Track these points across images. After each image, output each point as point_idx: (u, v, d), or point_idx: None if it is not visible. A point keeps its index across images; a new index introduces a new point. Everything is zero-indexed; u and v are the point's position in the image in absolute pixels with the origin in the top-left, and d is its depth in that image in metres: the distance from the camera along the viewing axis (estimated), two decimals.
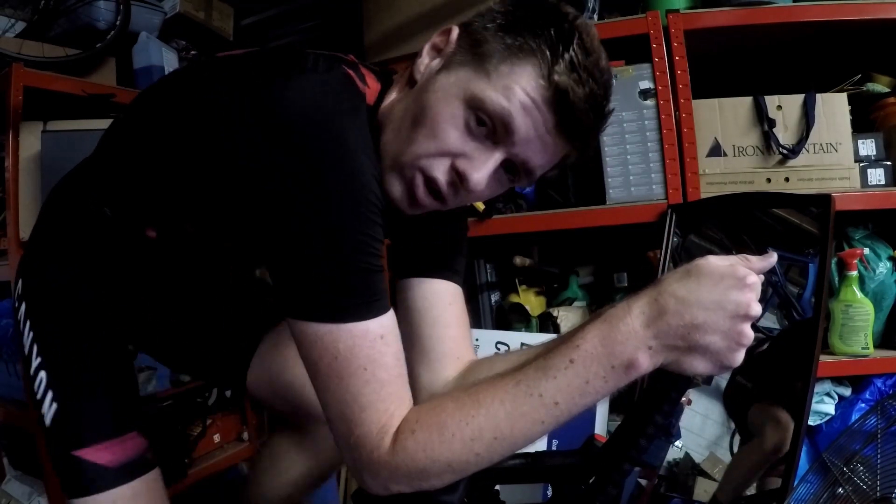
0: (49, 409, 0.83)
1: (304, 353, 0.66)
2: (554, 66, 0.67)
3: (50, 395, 0.83)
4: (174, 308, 0.99)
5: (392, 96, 0.78)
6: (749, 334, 0.60)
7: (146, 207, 0.82)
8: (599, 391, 0.63)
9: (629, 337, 0.61)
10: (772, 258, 0.65)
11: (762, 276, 0.63)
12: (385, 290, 0.66)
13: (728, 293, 0.60)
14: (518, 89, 0.68)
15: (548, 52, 0.68)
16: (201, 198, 0.77)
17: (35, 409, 0.85)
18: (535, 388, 0.63)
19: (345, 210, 0.62)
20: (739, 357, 0.61)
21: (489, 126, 0.70)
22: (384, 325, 0.65)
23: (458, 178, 0.71)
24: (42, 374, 0.84)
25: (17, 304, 0.89)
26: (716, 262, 0.62)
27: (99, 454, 0.83)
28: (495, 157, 0.71)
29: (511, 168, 0.74)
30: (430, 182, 0.72)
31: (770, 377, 1.31)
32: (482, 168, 0.71)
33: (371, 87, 0.77)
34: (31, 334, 0.86)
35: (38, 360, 0.85)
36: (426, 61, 0.75)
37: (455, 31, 0.74)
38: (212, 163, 0.72)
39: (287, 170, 0.62)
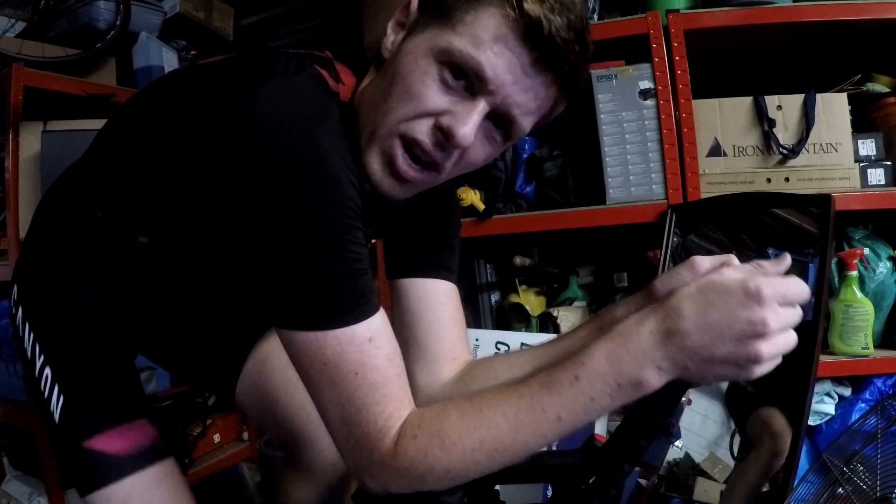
0: (57, 404, 0.82)
1: (295, 362, 0.66)
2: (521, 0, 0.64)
3: (57, 388, 0.82)
4: (166, 313, 0.99)
5: (364, 83, 0.76)
6: (763, 353, 0.57)
7: (136, 213, 0.82)
8: (605, 408, 0.62)
9: (637, 357, 0.60)
10: (786, 261, 0.64)
11: (784, 280, 0.59)
12: (371, 292, 0.65)
13: (738, 312, 0.57)
14: (485, 33, 0.65)
15: None
16: (187, 205, 0.76)
17: (44, 411, 0.83)
18: (539, 403, 0.62)
19: (322, 217, 0.61)
20: (752, 374, 0.59)
21: (466, 77, 0.67)
22: (372, 327, 0.64)
23: (444, 136, 0.68)
24: (47, 370, 0.83)
25: (14, 310, 0.88)
26: (729, 277, 0.59)
27: (109, 442, 0.82)
28: (479, 109, 0.67)
29: (500, 121, 0.71)
30: (414, 145, 0.69)
31: (771, 379, 1.30)
32: (468, 120, 0.67)
33: (346, 82, 0.75)
34: (32, 335, 0.85)
35: (42, 358, 0.84)
36: (391, 37, 0.73)
37: (415, 1, 0.72)
38: (194, 173, 0.71)
39: (260, 181, 0.61)
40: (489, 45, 0.65)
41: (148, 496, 0.83)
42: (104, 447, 0.81)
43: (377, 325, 0.65)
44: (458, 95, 0.68)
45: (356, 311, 0.64)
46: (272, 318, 0.66)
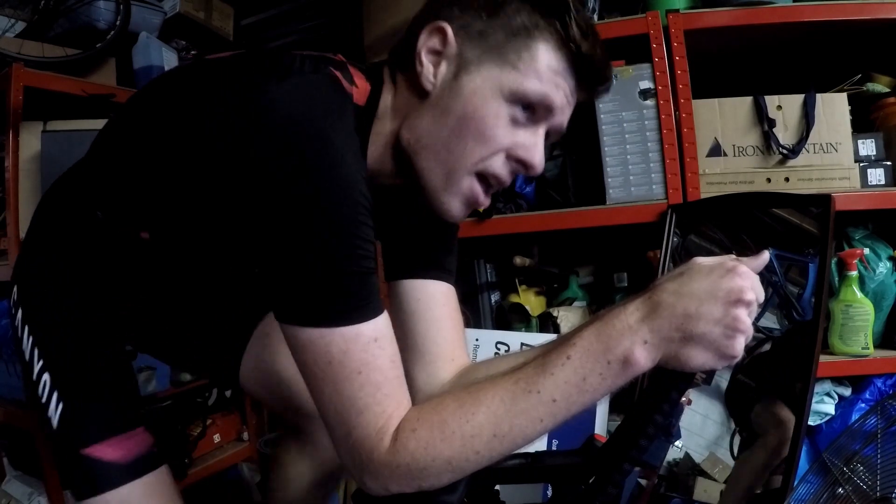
0: (55, 411, 0.82)
1: (297, 357, 0.66)
2: (567, 34, 0.71)
3: (55, 395, 0.82)
4: (169, 307, 0.99)
5: (388, 99, 0.78)
6: (745, 320, 0.60)
7: (139, 209, 0.82)
8: (598, 388, 0.63)
9: (624, 332, 0.62)
10: (763, 257, 0.66)
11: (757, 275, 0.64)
12: (378, 292, 0.66)
13: (719, 282, 0.61)
14: (545, 68, 0.72)
15: (557, 22, 0.72)
16: (192, 199, 0.76)
17: (41, 415, 0.83)
18: (534, 386, 0.63)
19: (334, 214, 0.61)
20: (738, 345, 0.61)
21: (532, 109, 0.74)
22: (377, 328, 0.65)
23: (521, 167, 0.76)
24: (45, 376, 0.83)
25: (13, 311, 0.88)
26: (708, 259, 0.65)
27: (108, 451, 0.82)
28: (541, 134, 0.76)
29: (548, 135, 0.78)
30: (493, 179, 0.76)
31: (772, 374, 1.31)
32: (537, 151, 0.75)
33: (360, 86, 0.76)
34: (31, 339, 0.85)
35: (40, 363, 0.84)
36: (431, 68, 0.75)
37: (448, 29, 0.73)
38: (202, 168, 0.71)
39: (275, 176, 0.61)
40: (551, 78, 0.72)
41: (144, 503, 0.84)
42: (102, 455, 0.82)
43: (382, 326, 0.65)
44: (524, 127, 0.75)
45: (363, 310, 0.64)
46: (276, 312, 0.66)
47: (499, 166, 0.75)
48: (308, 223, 0.61)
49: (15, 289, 0.89)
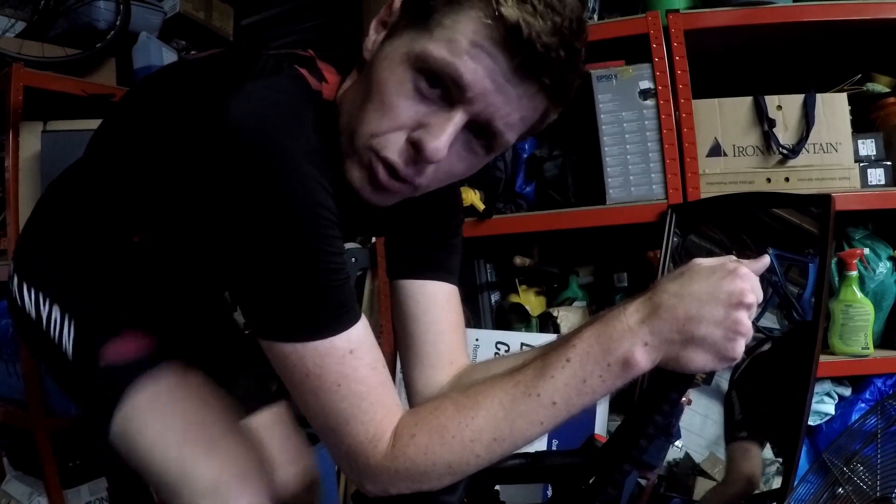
0: (69, 335, 0.81)
1: (277, 370, 0.65)
2: (500, 3, 0.60)
3: (67, 319, 0.82)
4: (167, 312, 0.98)
5: (346, 84, 0.74)
6: (745, 322, 0.60)
7: (129, 212, 0.81)
8: (597, 390, 0.62)
9: (624, 334, 0.62)
10: (763, 260, 0.66)
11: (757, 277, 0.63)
12: (352, 301, 0.64)
13: (720, 283, 0.60)
14: (461, 37, 0.61)
15: None
16: (171, 207, 0.75)
17: (57, 361, 0.82)
18: (533, 388, 0.63)
19: (295, 228, 0.59)
20: (739, 347, 0.60)
21: (442, 85, 0.63)
22: (352, 338, 0.63)
23: (416, 150, 0.64)
24: (55, 311, 0.82)
25: (13, 285, 0.87)
26: (709, 260, 0.64)
27: (125, 346, 0.81)
28: (455, 121, 0.63)
29: (481, 132, 0.67)
30: (386, 163, 0.65)
31: (772, 374, 1.30)
32: (440, 134, 0.63)
33: (330, 80, 0.73)
34: (33, 290, 0.84)
35: (47, 303, 0.83)
36: (373, 37, 0.69)
37: (398, 0, 0.68)
38: (172, 173, 0.70)
39: (232, 194, 0.59)
40: (466, 51, 0.61)
41: (176, 381, 0.84)
42: (120, 354, 0.81)
43: (357, 336, 0.64)
44: (433, 105, 0.64)
45: (335, 323, 0.62)
46: (249, 326, 0.65)
47: (394, 150, 0.64)
48: (266, 240, 0.59)
49: (13, 265, 0.88)
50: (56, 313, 0.82)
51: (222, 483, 0.81)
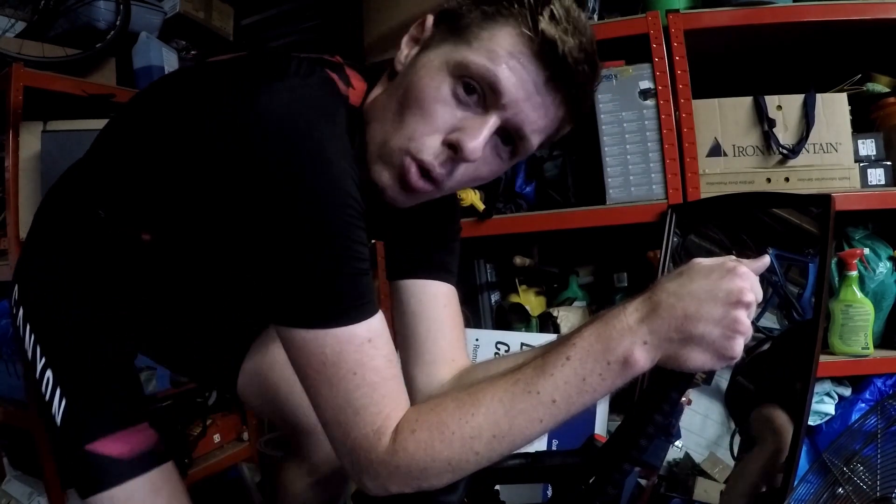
0: (59, 407, 0.82)
1: (293, 359, 0.66)
2: (537, 19, 0.66)
3: (59, 391, 0.82)
4: (169, 310, 0.99)
5: (375, 92, 0.77)
6: (744, 321, 0.60)
7: (140, 210, 0.82)
8: (597, 389, 0.63)
9: (624, 333, 0.62)
10: (763, 260, 0.67)
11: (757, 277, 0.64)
12: (372, 293, 0.66)
13: (719, 282, 0.61)
14: (500, 49, 0.67)
15: (527, 10, 0.67)
16: (191, 202, 0.76)
17: (45, 413, 0.83)
18: (533, 386, 0.63)
19: (325, 216, 0.61)
20: (738, 346, 0.61)
21: (479, 92, 0.68)
22: (371, 328, 0.65)
23: (453, 150, 0.69)
24: (48, 372, 0.83)
25: (14, 311, 0.88)
26: (708, 259, 0.64)
27: (112, 446, 0.81)
28: (489, 124, 0.69)
29: (509, 137, 0.72)
30: (423, 165, 0.70)
31: (772, 378, 1.31)
32: (478, 135, 0.68)
33: (356, 87, 0.76)
34: (33, 336, 0.85)
35: (43, 360, 0.84)
36: (405, 52, 0.75)
37: (430, 18, 0.74)
38: (198, 171, 0.71)
39: (267, 181, 0.61)
40: (504, 60, 0.67)
41: (150, 499, 0.83)
42: (107, 451, 0.81)
43: (376, 326, 0.65)
44: (469, 111, 0.69)
45: (356, 311, 0.64)
46: (271, 314, 0.66)
47: (431, 152, 0.69)
48: (297, 226, 0.61)
49: (16, 288, 0.89)
50: (49, 376, 0.83)
51: None
